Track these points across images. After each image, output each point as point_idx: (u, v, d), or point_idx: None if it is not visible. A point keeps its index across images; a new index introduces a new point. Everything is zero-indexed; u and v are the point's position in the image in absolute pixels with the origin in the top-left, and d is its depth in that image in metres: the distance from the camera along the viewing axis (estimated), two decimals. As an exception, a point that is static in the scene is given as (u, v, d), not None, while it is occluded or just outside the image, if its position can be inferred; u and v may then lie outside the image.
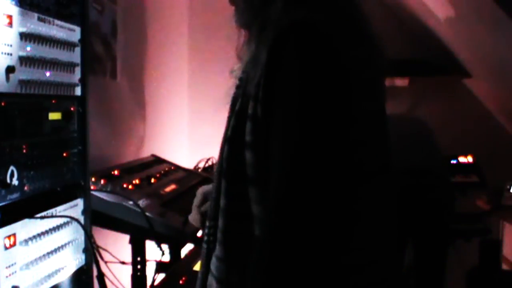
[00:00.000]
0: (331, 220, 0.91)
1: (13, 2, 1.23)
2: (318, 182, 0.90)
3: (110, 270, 1.77)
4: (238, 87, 1.07)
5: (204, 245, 1.10)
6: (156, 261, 1.96)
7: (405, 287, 1.05)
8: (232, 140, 1.02)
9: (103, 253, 1.75)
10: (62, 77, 1.44)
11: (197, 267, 1.99)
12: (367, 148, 0.99)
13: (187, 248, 2.32)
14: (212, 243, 1.08)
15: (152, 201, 1.99)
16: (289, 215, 0.90)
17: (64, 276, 1.47)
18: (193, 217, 1.31)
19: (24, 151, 1.29)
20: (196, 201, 1.32)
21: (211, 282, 1.07)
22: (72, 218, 1.47)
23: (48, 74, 1.40)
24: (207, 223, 1.10)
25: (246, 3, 1.07)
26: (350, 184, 0.94)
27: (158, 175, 2.39)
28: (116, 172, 2.17)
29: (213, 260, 1.07)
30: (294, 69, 0.92)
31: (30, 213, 1.31)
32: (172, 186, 2.31)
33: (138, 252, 1.98)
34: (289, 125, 0.92)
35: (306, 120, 0.90)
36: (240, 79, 1.07)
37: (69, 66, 1.48)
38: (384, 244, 1.05)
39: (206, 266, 1.09)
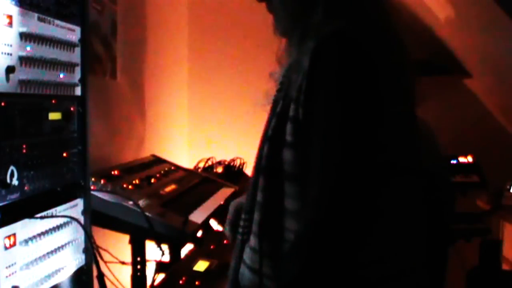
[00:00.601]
0: (361, 215, 0.99)
1: (13, 2, 1.23)
2: (354, 179, 0.98)
3: (110, 270, 1.77)
4: (279, 91, 1.15)
5: (239, 236, 1.19)
6: (156, 261, 1.96)
7: (424, 280, 1.13)
8: (272, 140, 1.09)
9: (103, 253, 1.75)
10: (62, 77, 1.44)
11: (197, 267, 1.99)
12: (395, 149, 1.07)
13: (187, 248, 2.32)
14: (246, 234, 1.16)
15: (152, 201, 1.99)
16: (328, 210, 0.98)
17: (64, 276, 1.47)
18: (227, 234, 1.37)
19: (24, 151, 1.29)
20: (230, 217, 1.37)
21: (244, 271, 1.16)
22: (72, 218, 1.46)
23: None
24: (242, 216, 1.18)
25: (286, 11, 1.16)
26: (377, 182, 1.02)
27: (158, 175, 2.39)
28: (116, 172, 2.17)
29: (247, 251, 1.15)
30: (333, 75, 1.01)
31: (30, 213, 1.31)
32: (172, 186, 2.31)
33: (138, 252, 1.98)
34: (326, 127, 1.00)
35: (342, 123, 0.99)
36: (281, 83, 1.14)
37: (69, 66, 1.47)
38: (405, 238, 1.11)
39: (239, 256, 1.18)
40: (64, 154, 1.47)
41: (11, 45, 1.22)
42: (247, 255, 1.15)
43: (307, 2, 1.11)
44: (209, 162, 3.36)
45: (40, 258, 1.34)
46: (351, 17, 1.07)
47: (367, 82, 1.00)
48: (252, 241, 1.14)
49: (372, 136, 1.00)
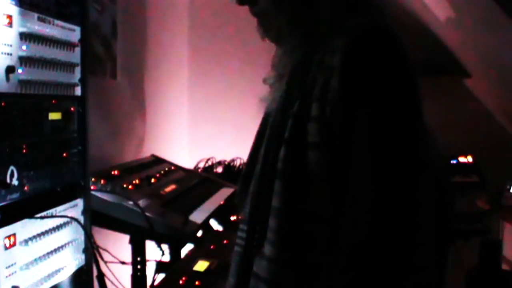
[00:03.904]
0: (413, 215, 0.98)
1: (13, 2, 1.23)
2: (404, 175, 0.97)
3: (110, 270, 1.77)
4: (289, 93, 1.08)
5: (239, 249, 1.10)
6: (156, 261, 1.96)
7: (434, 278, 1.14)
8: (291, 141, 1.03)
9: (103, 253, 1.75)
10: (62, 77, 1.44)
11: (197, 267, 1.99)
12: (426, 141, 1.05)
13: (187, 248, 2.32)
14: (257, 247, 1.07)
15: (152, 201, 1.99)
16: (386, 210, 0.96)
17: (64, 276, 1.47)
18: None
19: (24, 151, 1.29)
20: None
21: (257, 285, 1.06)
22: (72, 218, 1.47)
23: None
24: (244, 227, 1.09)
25: (281, 14, 1.10)
26: (417, 176, 1.00)
27: (158, 175, 2.39)
28: (116, 172, 2.17)
29: (261, 263, 1.05)
30: (378, 70, 0.98)
31: (30, 213, 1.31)
32: (172, 186, 2.31)
33: (138, 252, 1.98)
34: (376, 124, 0.98)
35: (393, 116, 0.98)
36: (289, 85, 1.08)
37: (69, 66, 1.48)
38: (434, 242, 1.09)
39: (241, 272, 1.09)
40: (64, 154, 1.47)
41: (11, 45, 1.22)
42: (261, 268, 1.05)
43: (308, 2, 1.07)
44: (209, 162, 3.37)
45: (40, 258, 1.34)
46: (365, 13, 1.06)
47: (407, 73, 1.01)
48: (269, 251, 1.04)
49: (417, 129, 1.01)
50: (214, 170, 3.32)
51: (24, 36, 1.27)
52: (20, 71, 1.25)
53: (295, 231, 1.03)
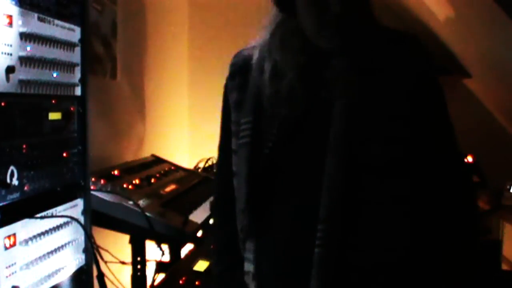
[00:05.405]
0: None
1: (13, 2, 1.23)
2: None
3: (110, 270, 1.77)
4: (365, 94, 1.12)
5: (321, 250, 1.09)
6: (156, 261, 1.96)
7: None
8: (377, 137, 1.11)
9: (103, 253, 1.75)
10: (62, 77, 1.44)
11: (197, 267, 1.99)
12: None
13: (187, 248, 2.32)
14: (342, 242, 1.09)
15: (152, 201, 1.99)
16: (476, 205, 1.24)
17: (64, 276, 1.47)
18: None
19: (24, 151, 1.29)
20: None
21: (363, 276, 1.10)
22: (72, 218, 1.46)
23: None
24: (324, 227, 1.09)
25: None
26: None
27: (158, 175, 2.40)
28: (116, 172, 2.17)
29: (359, 254, 1.10)
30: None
31: (30, 213, 1.31)
32: (172, 186, 2.31)
33: (138, 252, 1.98)
34: (448, 124, 1.27)
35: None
36: (364, 87, 1.13)
37: (69, 66, 1.48)
38: None
39: (328, 272, 1.09)
40: (64, 154, 1.47)
41: (11, 45, 1.22)
42: (360, 259, 1.09)
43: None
44: (209, 162, 3.37)
45: (40, 258, 1.34)
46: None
47: None
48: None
49: None
50: (214, 170, 3.32)
51: (24, 36, 1.27)
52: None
53: (391, 216, 1.11)
